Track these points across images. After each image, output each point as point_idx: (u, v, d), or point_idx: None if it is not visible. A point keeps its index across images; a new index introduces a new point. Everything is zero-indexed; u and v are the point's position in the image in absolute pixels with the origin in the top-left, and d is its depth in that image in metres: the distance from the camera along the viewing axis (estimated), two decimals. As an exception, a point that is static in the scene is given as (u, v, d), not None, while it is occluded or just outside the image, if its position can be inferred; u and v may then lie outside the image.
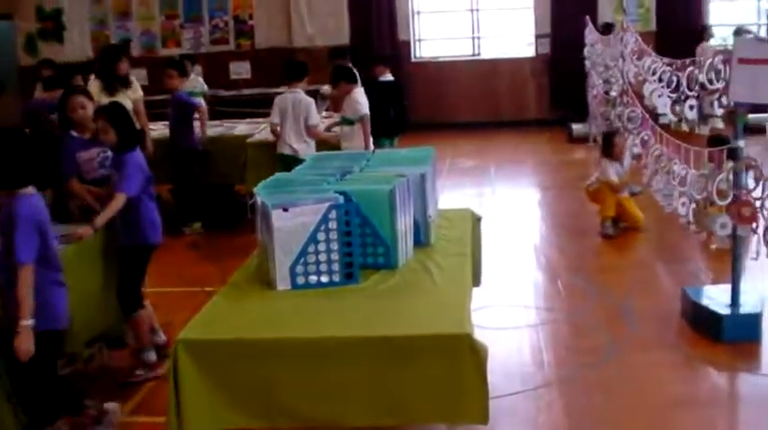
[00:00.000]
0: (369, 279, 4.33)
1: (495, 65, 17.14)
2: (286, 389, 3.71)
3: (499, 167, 13.24)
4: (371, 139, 9.19)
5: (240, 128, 10.91)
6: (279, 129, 9.04)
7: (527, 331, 6.56)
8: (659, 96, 7.22)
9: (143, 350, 5.94)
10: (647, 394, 5.44)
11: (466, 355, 3.60)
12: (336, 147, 9.00)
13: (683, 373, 5.79)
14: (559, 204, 10.81)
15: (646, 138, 8.16)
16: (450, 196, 10.47)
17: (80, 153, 6.33)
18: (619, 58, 10.69)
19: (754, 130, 6.69)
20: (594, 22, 14.41)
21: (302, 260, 4.21)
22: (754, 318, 6.15)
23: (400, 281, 4.33)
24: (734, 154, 6.08)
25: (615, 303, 7.03)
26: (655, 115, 7.94)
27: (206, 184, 10.07)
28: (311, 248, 4.21)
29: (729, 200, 6.11)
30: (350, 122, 9.13)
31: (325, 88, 11.20)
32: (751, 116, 6.11)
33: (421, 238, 4.80)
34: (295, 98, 9.03)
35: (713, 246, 7.74)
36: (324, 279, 4.26)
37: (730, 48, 6.34)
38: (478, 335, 3.69)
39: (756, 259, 6.02)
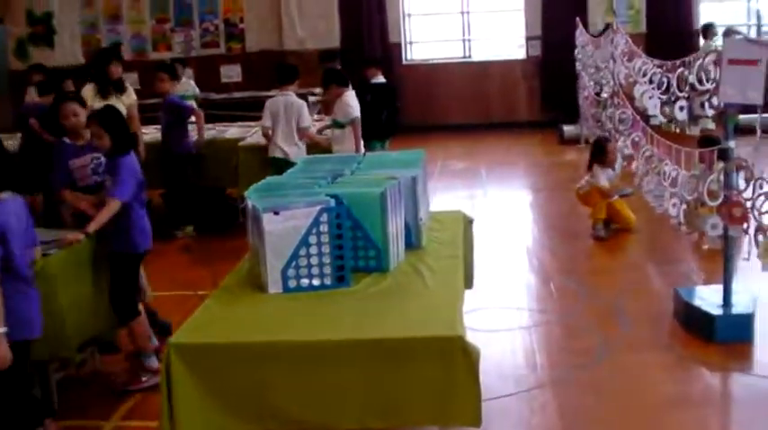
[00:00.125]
0: (360, 282, 4.32)
1: (486, 67, 17.14)
2: (278, 392, 3.71)
3: (490, 169, 13.24)
4: (362, 142, 9.19)
5: (232, 131, 10.89)
6: (270, 132, 9.04)
7: (520, 333, 6.56)
8: (650, 98, 7.24)
9: (145, 356, 5.89)
10: (639, 395, 5.45)
11: (458, 357, 3.60)
12: (328, 150, 9.00)
13: (675, 374, 5.79)
14: (551, 206, 10.81)
15: (636, 139, 8.18)
16: (442, 198, 10.47)
17: (73, 160, 6.31)
18: (609, 59, 10.73)
19: (745, 131, 6.69)
20: (585, 23, 14.44)
21: (294, 263, 4.21)
22: (746, 319, 6.16)
23: (392, 283, 4.32)
24: (724, 154, 6.09)
25: (607, 304, 7.04)
26: (645, 116, 7.96)
27: (198, 188, 10.06)
28: (302, 252, 4.21)
29: (720, 200, 6.13)
30: (340, 125, 9.12)
31: (316, 97, 11.21)
32: (741, 116, 6.12)
33: (412, 241, 4.80)
34: (286, 101, 9.03)
35: (705, 247, 7.75)
36: (315, 282, 4.25)
37: (720, 48, 6.36)
38: (471, 337, 3.69)
39: (748, 259, 6.03)
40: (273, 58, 15.46)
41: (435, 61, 17.43)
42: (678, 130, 6.86)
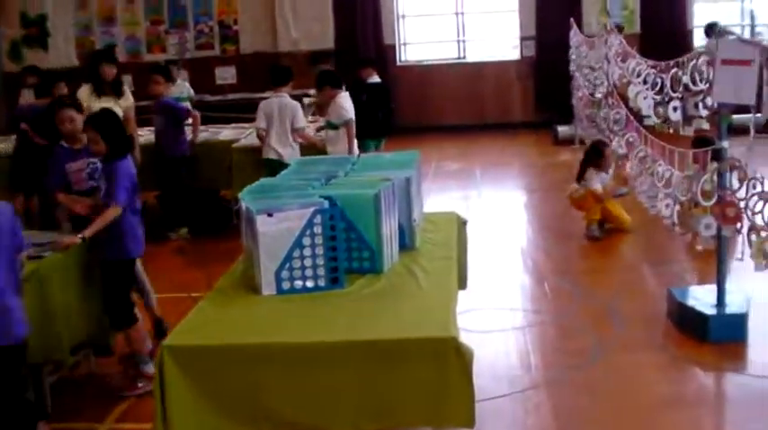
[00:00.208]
0: (354, 283, 4.31)
1: (480, 68, 17.16)
2: (272, 394, 3.70)
3: (485, 170, 13.25)
4: (356, 143, 9.19)
5: (226, 133, 10.89)
6: (264, 133, 9.04)
7: (514, 333, 6.57)
8: (644, 98, 7.24)
9: (140, 360, 5.89)
10: (634, 395, 5.46)
11: (452, 358, 3.59)
12: (323, 151, 9.00)
13: (669, 374, 5.81)
14: (545, 207, 10.82)
15: (631, 139, 8.19)
16: (437, 199, 10.49)
17: (69, 163, 6.28)
18: (603, 60, 10.73)
19: (739, 131, 6.70)
20: (579, 24, 14.45)
21: (287, 265, 4.20)
22: (740, 319, 6.18)
23: (386, 285, 4.32)
24: (718, 155, 6.10)
25: (601, 305, 7.05)
26: (639, 117, 7.96)
27: (192, 190, 10.06)
28: (296, 253, 4.20)
29: (714, 201, 6.13)
30: (334, 127, 9.13)
31: (310, 98, 11.21)
32: (735, 117, 6.13)
33: (406, 242, 4.80)
34: (281, 102, 9.04)
35: (698, 247, 7.74)
36: (309, 284, 4.25)
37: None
38: (465, 338, 3.69)
39: (741, 259, 6.03)
40: (268, 60, 15.49)
41: (429, 62, 17.44)
42: (672, 131, 6.86)
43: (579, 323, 6.73)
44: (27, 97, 11.09)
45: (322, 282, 4.25)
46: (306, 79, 11.62)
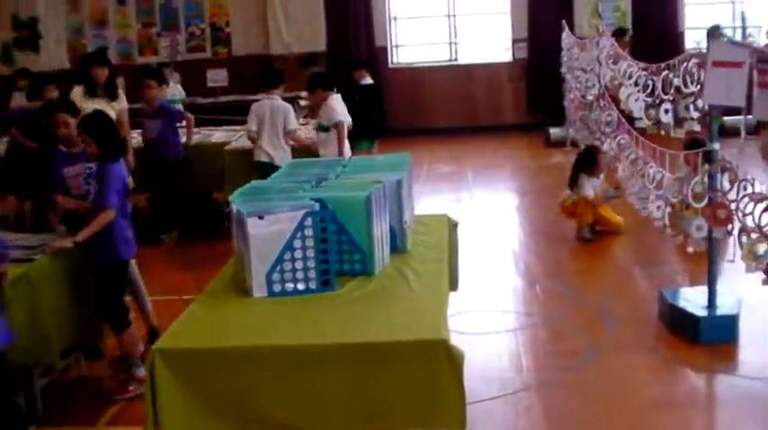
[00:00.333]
0: (345, 286, 4.31)
1: (472, 70, 17.16)
2: (263, 396, 3.70)
3: (477, 172, 13.25)
4: (348, 145, 9.19)
5: (217, 135, 10.88)
6: (256, 136, 9.04)
7: (505, 336, 6.57)
8: (635, 100, 7.26)
9: (133, 365, 5.86)
10: (625, 396, 5.46)
11: (442, 361, 3.59)
12: (315, 153, 8.99)
13: (660, 375, 5.81)
14: (537, 209, 10.82)
15: (622, 141, 8.20)
16: (428, 202, 10.49)
17: (67, 168, 6.26)
18: (595, 62, 10.75)
19: (730, 133, 6.72)
20: (571, 26, 14.46)
21: (278, 267, 4.20)
22: (731, 320, 6.19)
23: (377, 287, 4.32)
24: (709, 156, 6.11)
25: (593, 307, 7.05)
26: (631, 119, 7.97)
27: (184, 192, 10.04)
28: (287, 256, 4.20)
29: (705, 202, 6.14)
30: (325, 129, 9.12)
31: (303, 100, 11.20)
32: (726, 118, 6.14)
33: (397, 245, 4.80)
34: (272, 105, 9.04)
35: (689, 249, 7.76)
36: (300, 286, 4.24)
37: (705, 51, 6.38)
38: (457, 340, 3.69)
39: (732, 261, 6.05)
40: (260, 62, 15.46)
41: (421, 65, 17.44)
42: (663, 133, 6.87)
43: (570, 325, 6.74)
44: (18, 100, 11.04)
45: (313, 285, 4.25)
46: (298, 81, 11.60)
